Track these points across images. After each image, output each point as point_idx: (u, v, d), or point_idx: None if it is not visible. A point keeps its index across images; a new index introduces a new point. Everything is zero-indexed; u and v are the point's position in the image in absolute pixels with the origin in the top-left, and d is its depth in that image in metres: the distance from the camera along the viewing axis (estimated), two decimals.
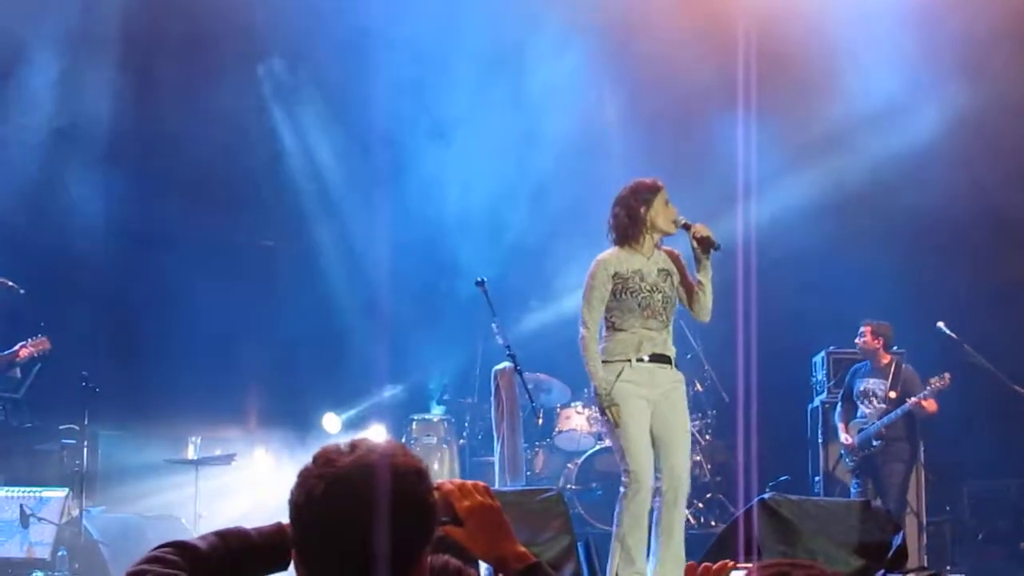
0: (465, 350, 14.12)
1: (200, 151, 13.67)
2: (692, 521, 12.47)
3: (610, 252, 7.94)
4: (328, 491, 2.67)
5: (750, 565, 2.87)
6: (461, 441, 13.33)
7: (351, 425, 13.96)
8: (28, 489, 10.64)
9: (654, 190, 7.87)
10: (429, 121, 14.60)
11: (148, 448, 12.73)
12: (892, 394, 12.05)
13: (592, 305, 7.85)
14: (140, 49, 13.66)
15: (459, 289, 13.63)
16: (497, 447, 11.57)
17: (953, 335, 12.20)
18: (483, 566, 4.31)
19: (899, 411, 11.93)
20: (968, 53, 13.34)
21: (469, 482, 3.12)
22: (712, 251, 7.78)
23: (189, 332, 13.71)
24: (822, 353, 13.24)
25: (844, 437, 12.32)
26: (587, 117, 14.86)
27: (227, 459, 12.45)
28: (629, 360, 7.75)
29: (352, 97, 14.46)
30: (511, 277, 13.81)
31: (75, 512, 10.54)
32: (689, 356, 13.03)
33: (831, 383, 13.09)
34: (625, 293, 7.77)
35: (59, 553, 10.25)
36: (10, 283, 11.04)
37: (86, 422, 10.96)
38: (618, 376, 7.74)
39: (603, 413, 7.82)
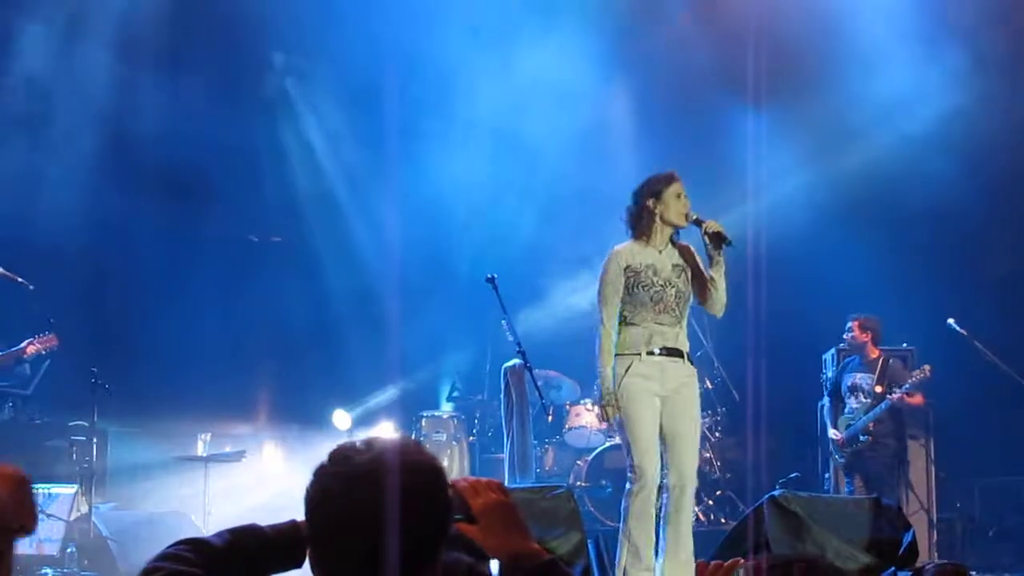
0: (475, 347, 14.11)
1: (207, 149, 13.67)
2: (702, 518, 12.46)
3: (623, 245, 7.95)
4: (345, 488, 2.67)
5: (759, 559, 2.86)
6: (471, 438, 13.32)
7: (361, 422, 13.95)
8: (38, 486, 10.55)
9: (666, 183, 7.86)
10: (436, 115, 14.55)
11: (157, 445, 12.74)
12: (879, 388, 12.03)
13: (606, 299, 7.86)
14: (142, 43, 13.67)
15: (469, 286, 13.60)
16: (507, 444, 11.57)
17: (963, 332, 12.17)
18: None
19: (883, 405, 11.93)
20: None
21: (483, 479, 3.12)
22: (724, 247, 7.77)
23: (199, 328, 13.69)
24: (832, 350, 13.21)
25: (832, 433, 12.31)
26: (595, 111, 14.86)
27: (237, 456, 12.47)
28: (639, 354, 7.75)
29: (362, 92, 14.43)
30: (521, 273, 13.79)
31: (84, 508, 10.57)
32: (699, 353, 12.97)
33: None
34: (637, 287, 7.77)
35: (68, 549, 10.27)
36: (19, 279, 11.02)
37: (95, 419, 10.99)
38: (627, 370, 7.73)
39: (601, 410, 7.86)
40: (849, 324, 12.35)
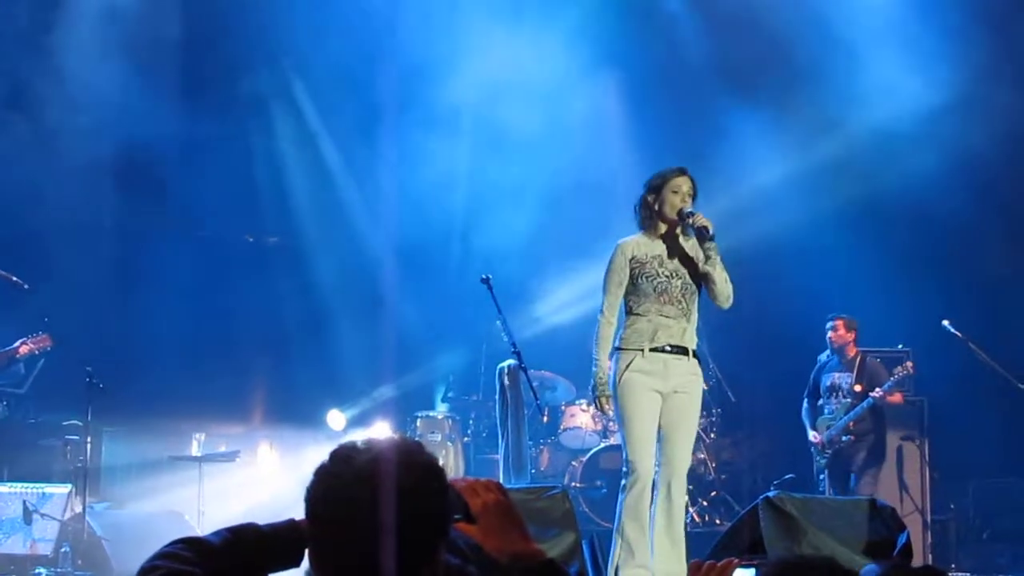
0: (470, 347, 14.11)
1: (199, 147, 13.68)
2: (697, 519, 12.48)
3: (632, 237, 8.01)
4: (346, 488, 2.67)
5: (755, 562, 2.87)
6: (465, 438, 13.32)
7: (356, 422, 13.95)
8: (31, 485, 10.65)
9: (665, 178, 7.93)
10: (433, 113, 14.55)
11: (152, 444, 12.71)
12: (858, 387, 12.05)
13: (609, 289, 7.92)
14: (137, 44, 13.68)
15: (464, 286, 13.59)
16: (502, 445, 11.57)
17: (958, 333, 12.18)
18: None
19: (863, 404, 11.95)
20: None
21: (483, 479, 3.12)
22: (708, 240, 7.78)
23: (194, 328, 13.70)
24: (827, 351, 13.22)
25: (812, 436, 12.32)
26: (590, 108, 14.89)
27: (231, 456, 12.45)
28: (641, 350, 7.76)
29: (355, 91, 14.44)
30: (517, 273, 13.80)
31: (78, 508, 10.54)
32: None
33: None
34: (642, 278, 7.81)
35: (62, 549, 10.25)
36: (14, 278, 11.01)
37: (89, 418, 10.97)
38: (628, 366, 7.76)
39: (596, 400, 7.91)
40: (833, 323, 12.33)
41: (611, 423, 12.28)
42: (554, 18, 14.42)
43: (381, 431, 13.61)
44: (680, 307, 7.83)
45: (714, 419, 13.24)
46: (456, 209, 14.80)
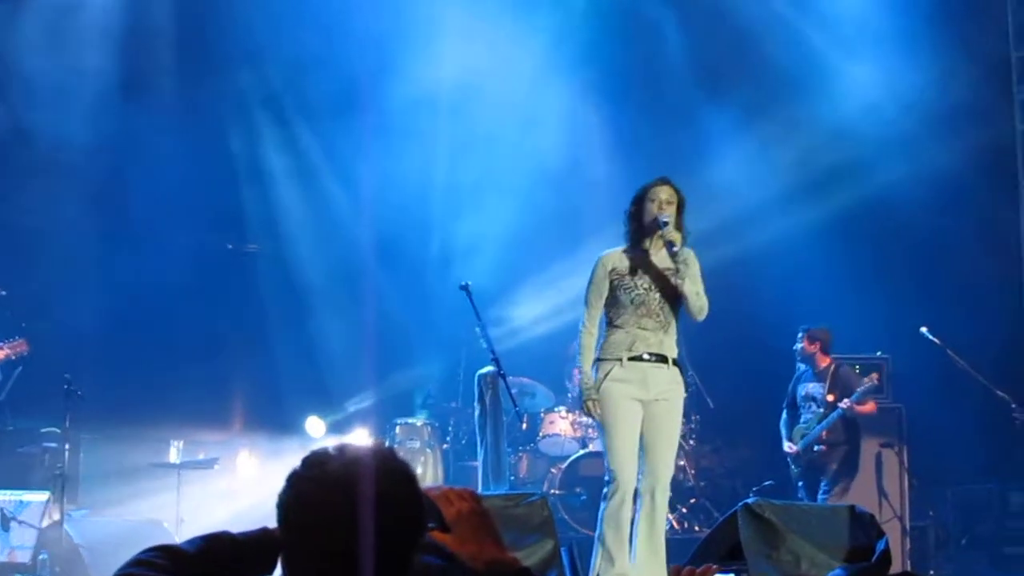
0: (450, 354, 14.09)
1: (181, 155, 13.66)
2: (676, 526, 12.48)
3: (614, 249, 8.07)
4: (319, 494, 2.65)
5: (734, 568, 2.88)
6: (445, 445, 13.29)
7: (335, 429, 13.93)
8: (9, 492, 10.60)
9: (645, 187, 8.00)
10: (410, 118, 14.55)
11: (131, 451, 12.68)
12: (830, 397, 12.07)
13: (590, 302, 8.01)
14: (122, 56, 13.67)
15: (444, 293, 13.59)
16: (480, 452, 11.56)
17: (936, 340, 12.22)
18: None
19: (835, 414, 11.96)
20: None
21: (457, 488, 3.12)
22: (674, 253, 7.78)
23: (173, 335, 13.66)
24: None
25: (787, 446, 12.34)
26: (570, 118, 14.92)
27: (209, 463, 12.44)
28: (620, 359, 7.80)
29: (337, 96, 14.43)
30: (496, 280, 13.80)
31: (56, 516, 10.50)
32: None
33: None
34: (621, 290, 7.87)
35: (40, 557, 10.22)
36: None
37: (68, 425, 10.92)
38: (607, 375, 7.79)
39: (584, 407, 7.97)
40: (799, 335, 12.37)
41: (591, 430, 12.30)
42: (533, 26, 14.46)
43: (360, 438, 13.61)
44: (658, 319, 7.87)
45: (694, 426, 13.24)
46: (435, 215, 14.79)
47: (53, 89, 13.35)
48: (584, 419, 12.09)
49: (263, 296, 14.73)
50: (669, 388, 7.92)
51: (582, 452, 12.59)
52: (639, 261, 7.93)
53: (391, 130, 14.36)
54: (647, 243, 7.97)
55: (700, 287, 7.95)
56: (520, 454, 13.03)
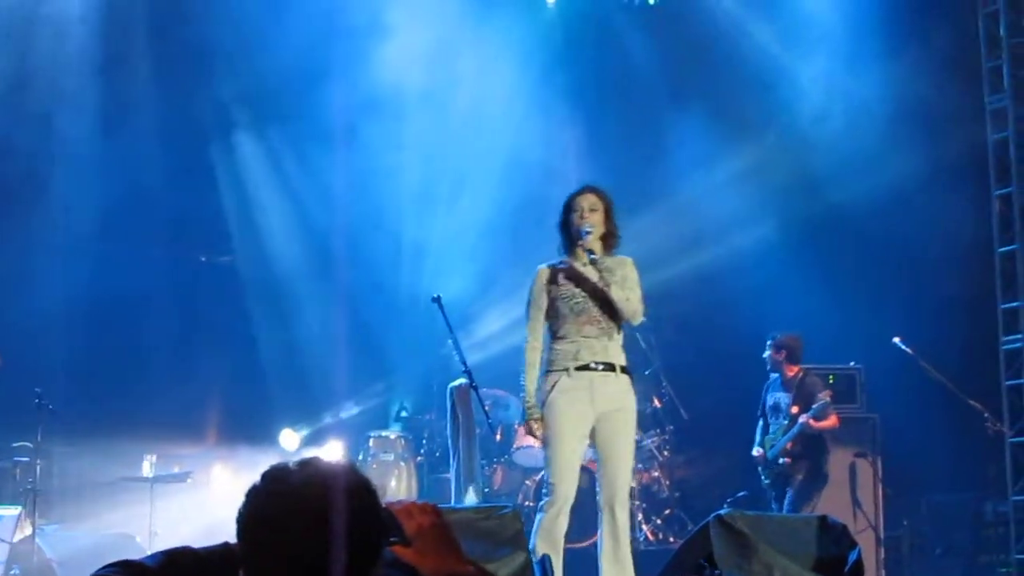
0: (424, 366, 14.09)
1: (154, 166, 13.64)
2: (651, 537, 12.48)
3: (549, 263, 8.06)
4: (279, 509, 2.65)
5: None
6: (419, 458, 13.27)
7: (310, 441, 13.90)
8: None
9: (569, 199, 8.03)
10: (379, 139, 14.57)
11: (104, 465, 12.63)
12: (794, 409, 12.03)
13: (531, 315, 7.99)
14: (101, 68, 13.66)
15: (418, 305, 13.59)
16: (453, 464, 11.54)
17: (909, 350, 12.24)
18: None
19: (797, 427, 11.96)
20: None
21: (418, 502, 3.11)
22: (593, 262, 7.79)
23: (147, 348, 13.63)
24: None
25: (756, 450, 12.34)
26: (540, 130, 14.97)
27: (182, 476, 12.40)
28: (566, 370, 7.78)
29: (313, 108, 14.43)
30: (470, 291, 13.82)
31: (28, 530, 10.46)
32: (648, 372, 13.03)
33: None
34: (560, 300, 7.85)
35: (12, 572, 10.18)
36: None
37: (40, 439, 10.88)
38: (554, 387, 7.78)
39: (527, 425, 7.95)
40: (767, 343, 12.38)
41: None
42: (504, 37, 14.53)
43: (334, 450, 13.60)
44: (600, 326, 7.83)
45: (668, 437, 13.24)
46: (408, 226, 14.80)
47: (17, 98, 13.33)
48: None
49: (238, 308, 14.69)
50: (619, 398, 7.87)
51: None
52: (573, 271, 7.91)
53: (362, 143, 14.39)
54: (578, 252, 7.97)
55: (632, 292, 7.90)
56: (495, 466, 13.01)
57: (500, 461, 13.08)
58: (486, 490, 12.36)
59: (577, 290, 7.84)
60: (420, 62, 14.41)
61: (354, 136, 14.41)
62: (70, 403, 11.79)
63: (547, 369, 7.89)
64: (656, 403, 13.13)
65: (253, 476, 2.78)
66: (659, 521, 12.92)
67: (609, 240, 8.00)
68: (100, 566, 2.88)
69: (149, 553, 2.86)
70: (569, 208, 7.97)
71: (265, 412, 14.21)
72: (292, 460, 2.75)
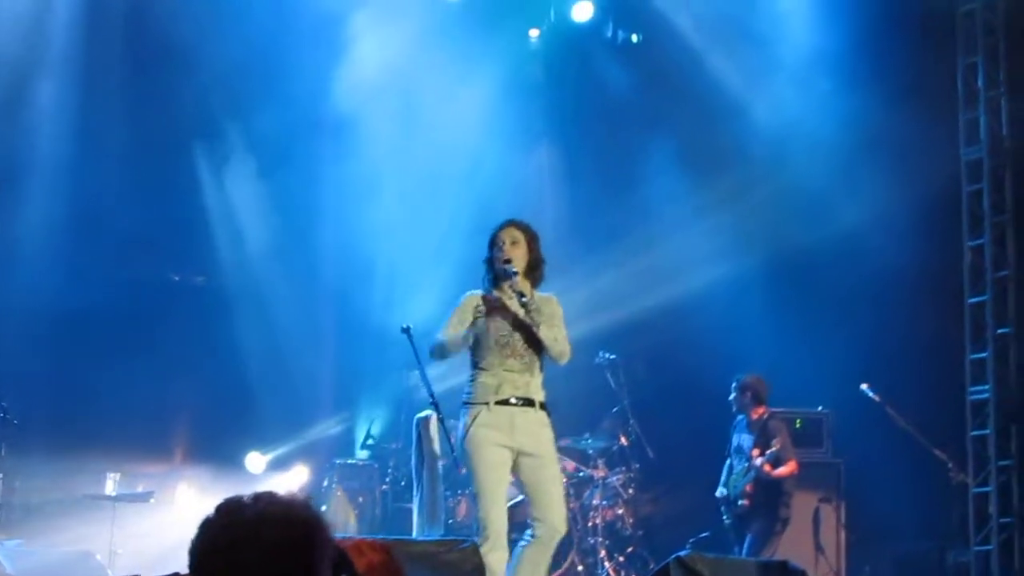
0: (392, 395, 14.07)
1: (125, 188, 13.62)
2: (612, 574, 12.45)
3: (480, 290, 8.01)
4: (230, 542, 2.67)
5: None
6: (384, 486, 13.24)
7: (276, 465, 13.88)
8: None
9: (492, 233, 8.04)
10: (350, 168, 14.61)
11: (67, 482, 12.58)
12: (755, 452, 12.00)
13: (449, 321, 7.94)
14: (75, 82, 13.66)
15: (388, 331, 13.59)
16: (416, 495, 11.50)
17: (875, 397, 12.25)
18: None
19: (752, 472, 11.97)
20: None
21: (367, 539, 3.12)
22: (524, 304, 7.76)
23: (113, 366, 13.55)
24: None
25: (719, 491, 12.35)
26: (515, 163, 15.05)
27: (145, 496, 12.36)
28: (487, 403, 7.77)
29: (283, 130, 14.44)
30: (438, 319, 13.82)
31: None
32: (615, 410, 13.04)
33: None
34: (486, 331, 7.81)
35: None
36: None
37: (2, 453, 10.84)
38: (474, 420, 7.78)
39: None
40: (732, 384, 12.39)
41: None
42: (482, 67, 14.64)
43: (300, 475, 13.58)
44: (523, 361, 7.82)
45: (633, 475, 13.22)
46: (380, 254, 14.79)
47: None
48: None
49: (208, 329, 14.64)
50: (536, 432, 7.86)
51: (521, 497, 12.52)
52: (502, 304, 7.86)
53: (331, 178, 14.47)
54: (505, 287, 7.95)
55: (559, 331, 7.90)
56: (459, 497, 12.97)
57: (465, 493, 13.04)
58: (449, 521, 12.32)
59: (504, 323, 7.81)
60: (398, 90, 14.46)
61: (321, 161, 14.51)
62: (34, 418, 11.75)
63: (467, 401, 7.90)
64: (623, 441, 13.11)
65: (217, 497, 2.79)
66: (621, 559, 12.88)
67: (534, 272, 7.99)
68: None
69: (110, 571, 2.85)
70: (492, 243, 7.97)
71: (232, 434, 14.15)
72: (246, 494, 2.76)
